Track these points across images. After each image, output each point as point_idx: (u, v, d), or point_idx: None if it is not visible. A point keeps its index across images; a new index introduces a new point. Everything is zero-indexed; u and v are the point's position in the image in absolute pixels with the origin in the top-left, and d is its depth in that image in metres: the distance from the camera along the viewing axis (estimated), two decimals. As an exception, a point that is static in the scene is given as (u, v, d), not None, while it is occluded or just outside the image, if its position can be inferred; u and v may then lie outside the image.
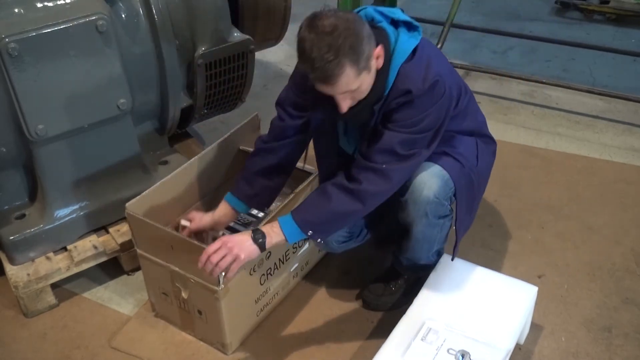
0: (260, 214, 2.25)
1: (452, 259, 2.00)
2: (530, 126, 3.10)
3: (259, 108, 2.62)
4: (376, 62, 1.65)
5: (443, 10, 4.03)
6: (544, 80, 3.27)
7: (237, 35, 2.35)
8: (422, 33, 1.74)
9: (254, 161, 1.99)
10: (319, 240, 1.83)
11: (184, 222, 2.02)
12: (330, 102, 1.70)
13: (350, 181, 1.72)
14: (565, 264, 2.30)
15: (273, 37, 2.71)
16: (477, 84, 3.41)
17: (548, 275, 2.25)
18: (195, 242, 1.85)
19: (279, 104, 1.96)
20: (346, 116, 1.74)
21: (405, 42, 1.69)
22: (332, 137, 1.94)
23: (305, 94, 1.84)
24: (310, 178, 2.11)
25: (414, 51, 1.69)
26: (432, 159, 1.82)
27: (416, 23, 1.74)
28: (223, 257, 1.70)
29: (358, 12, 1.72)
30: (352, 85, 1.60)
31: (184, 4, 2.22)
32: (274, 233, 1.73)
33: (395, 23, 1.73)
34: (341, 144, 1.98)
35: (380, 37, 1.66)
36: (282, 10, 2.60)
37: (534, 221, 2.50)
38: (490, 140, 2.02)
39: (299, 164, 2.10)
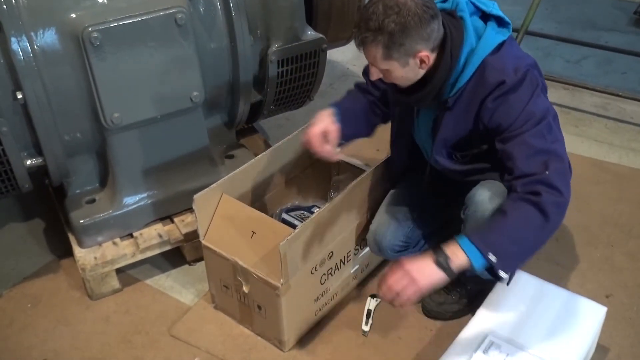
0: (315, 209, 2.26)
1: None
2: (602, 140, 3.00)
3: (325, 106, 2.62)
4: (418, 65, 1.64)
5: (516, 16, 3.94)
6: (619, 93, 3.17)
7: (310, 33, 2.35)
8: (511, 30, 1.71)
9: (352, 97, 2.03)
10: (502, 272, 1.59)
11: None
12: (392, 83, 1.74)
13: (527, 194, 1.58)
14: (635, 284, 2.22)
15: (345, 37, 2.70)
16: (549, 93, 3.30)
17: (616, 296, 2.18)
18: (281, 224, 1.90)
19: (365, 73, 1.95)
20: (408, 100, 1.77)
21: (491, 37, 1.66)
22: (407, 124, 1.94)
23: None
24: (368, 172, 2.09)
25: (501, 46, 1.67)
26: (496, 177, 1.79)
27: (507, 19, 1.70)
28: (405, 286, 1.56)
29: None
30: (379, 64, 1.64)
31: (260, 1, 2.23)
32: (456, 256, 1.56)
33: (486, 17, 1.71)
34: (415, 136, 1.97)
35: (456, 25, 1.65)
36: (356, 10, 2.58)
37: (603, 238, 2.42)
38: None
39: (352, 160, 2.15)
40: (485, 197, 1.76)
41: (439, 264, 1.55)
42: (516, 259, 1.63)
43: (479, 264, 1.56)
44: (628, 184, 2.71)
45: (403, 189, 2.10)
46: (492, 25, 1.69)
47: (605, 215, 2.53)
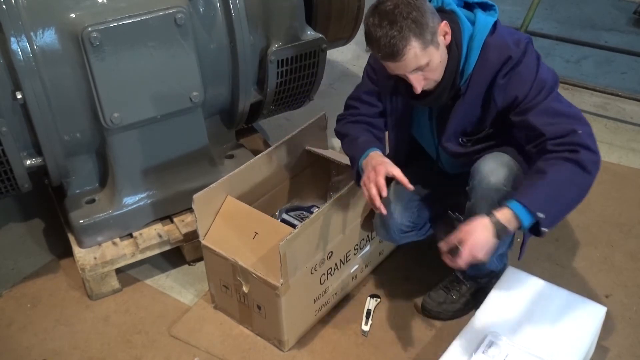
0: (314, 209, 2.26)
1: (519, 259, 1.96)
2: (602, 140, 2.99)
3: (325, 107, 2.62)
4: (444, 39, 1.64)
5: (515, 16, 3.95)
6: (619, 93, 3.16)
7: (310, 33, 2.35)
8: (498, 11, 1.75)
9: (353, 127, 1.97)
10: (545, 228, 1.63)
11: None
12: (407, 89, 1.72)
13: (565, 152, 1.61)
14: (635, 284, 2.22)
15: (345, 37, 2.70)
16: (548, 93, 3.32)
17: (616, 296, 2.18)
18: (284, 224, 1.93)
19: (355, 98, 1.98)
20: (426, 102, 1.77)
21: (484, 19, 1.70)
22: (406, 128, 1.97)
23: (379, 86, 1.88)
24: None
25: (495, 26, 1.70)
26: (503, 149, 1.81)
27: (491, 2, 1.75)
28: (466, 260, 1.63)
29: None
30: (420, 60, 1.60)
31: (260, 1, 2.23)
32: (510, 223, 1.61)
33: (469, 6, 1.75)
34: (415, 134, 1.98)
35: (448, 18, 1.66)
36: (355, 10, 2.58)
37: (603, 238, 2.42)
38: None
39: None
40: (492, 166, 1.78)
41: (498, 237, 1.61)
42: (560, 215, 1.67)
43: (527, 223, 1.61)
44: (628, 184, 2.71)
45: (409, 175, 2.10)
46: (479, 10, 1.73)
47: (605, 215, 2.53)
